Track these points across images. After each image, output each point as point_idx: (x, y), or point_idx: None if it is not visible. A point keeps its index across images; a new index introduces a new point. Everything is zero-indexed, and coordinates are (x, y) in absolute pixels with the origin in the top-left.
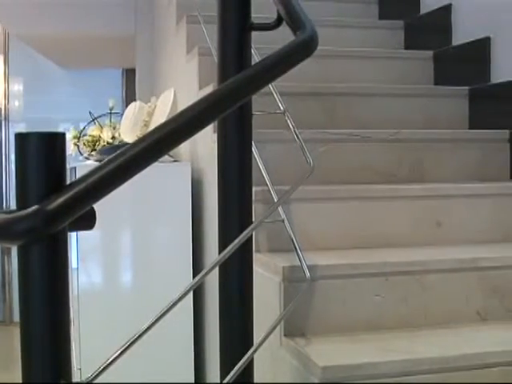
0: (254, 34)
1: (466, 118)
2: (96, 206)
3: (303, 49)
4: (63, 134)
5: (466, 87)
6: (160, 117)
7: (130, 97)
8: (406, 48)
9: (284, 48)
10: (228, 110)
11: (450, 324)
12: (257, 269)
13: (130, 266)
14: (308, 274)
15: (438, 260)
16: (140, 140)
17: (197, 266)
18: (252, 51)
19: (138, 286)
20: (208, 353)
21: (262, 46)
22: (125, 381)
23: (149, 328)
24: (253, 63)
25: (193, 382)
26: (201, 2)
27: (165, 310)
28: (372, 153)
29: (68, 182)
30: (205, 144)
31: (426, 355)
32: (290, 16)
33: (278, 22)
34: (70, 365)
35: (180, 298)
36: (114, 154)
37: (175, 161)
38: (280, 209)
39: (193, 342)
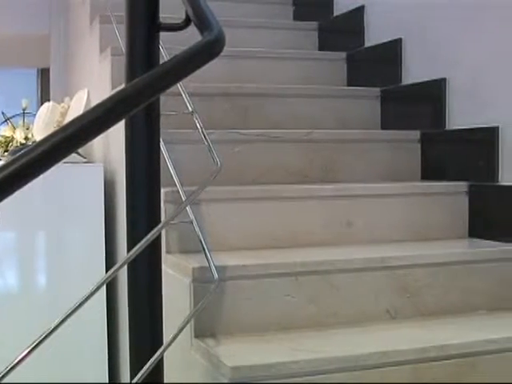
0: (170, 35)
1: (378, 119)
2: (9, 208)
3: (209, 49)
4: None
5: (378, 88)
6: (73, 117)
7: (45, 97)
8: (320, 49)
9: (189, 49)
10: (134, 109)
11: (359, 323)
12: (168, 270)
13: (44, 266)
14: (216, 275)
15: (348, 259)
16: (42, 141)
17: (110, 265)
18: (162, 52)
19: (52, 286)
20: (122, 352)
21: (177, 47)
22: (37, 381)
23: (57, 326)
24: None
25: (106, 382)
26: (114, 2)
27: (72, 309)
28: (284, 153)
29: None
30: (117, 145)
31: (336, 354)
32: (198, 16)
33: (187, 22)
34: None
35: (87, 298)
36: (17, 155)
37: (88, 162)
38: (189, 209)
39: (107, 341)
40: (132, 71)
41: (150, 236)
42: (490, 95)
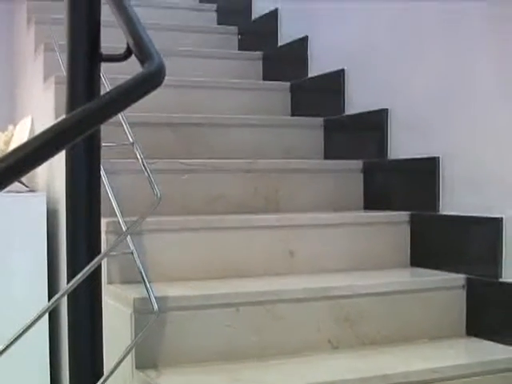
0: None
1: (321, 149)
2: None
3: (149, 81)
4: None
5: (322, 118)
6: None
7: None
8: (264, 79)
9: (129, 80)
10: (73, 140)
11: (302, 353)
12: (109, 300)
13: None
14: (156, 306)
15: (290, 290)
16: None
17: (53, 294)
18: (104, 82)
19: None
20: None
21: (122, 76)
22: None
23: None
24: None
25: None
26: (58, 30)
27: (13, 338)
28: (228, 183)
29: None
30: (60, 173)
31: None
32: (138, 47)
33: (128, 53)
34: None
35: (27, 328)
36: None
37: (31, 190)
38: (129, 240)
39: (49, 372)
40: (73, 101)
41: (90, 267)
42: (430, 126)
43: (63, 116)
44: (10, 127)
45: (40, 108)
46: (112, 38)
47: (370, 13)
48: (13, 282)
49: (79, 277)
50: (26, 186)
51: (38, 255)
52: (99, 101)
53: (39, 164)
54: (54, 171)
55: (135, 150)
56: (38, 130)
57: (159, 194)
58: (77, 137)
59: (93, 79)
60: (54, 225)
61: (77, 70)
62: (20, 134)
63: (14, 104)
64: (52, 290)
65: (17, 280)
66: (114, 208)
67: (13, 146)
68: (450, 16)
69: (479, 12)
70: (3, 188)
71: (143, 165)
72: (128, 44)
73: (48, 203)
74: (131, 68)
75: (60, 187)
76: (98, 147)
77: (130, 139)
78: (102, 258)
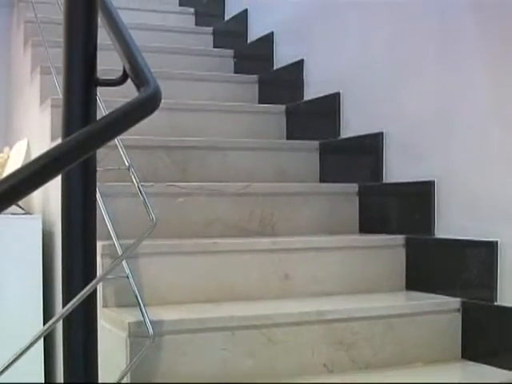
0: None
1: (316, 172)
2: None
3: (145, 106)
4: None
5: (317, 141)
6: (13, 168)
7: None
8: (260, 102)
9: (125, 105)
10: (69, 165)
11: (296, 377)
12: (104, 324)
13: None
14: (151, 330)
15: (285, 313)
16: None
17: (48, 317)
18: (100, 106)
19: None
20: None
21: (119, 99)
22: None
23: None
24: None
25: None
26: (54, 52)
27: (8, 363)
28: (223, 206)
29: None
30: (56, 196)
31: None
32: (135, 72)
33: (124, 77)
34: None
35: (23, 352)
36: None
37: (27, 213)
38: (124, 264)
39: None
40: (69, 125)
41: (85, 292)
42: (425, 149)
43: (59, 139)
44: (6, 149)
45: (36, 130)
46: (108, 59)
47: (365, 36)
48: (8, 304)
49: (74, 301)
50: (22, 209)
51: (33, 277)
52: (95, 126)
53: (35, 189)
54: (49, 193)
55: (131, 174)
56: (34, 152)
57: (154, 219)
58: (73, 162)
59: (89, 103)
60: (49, 247)
61: (73, 95)
62: (16, 157)
63: (10, 126)
64: (47, 311)
65: (12, 302)
66: (109, 231)
67: (8, 168)
68: (444, 39)
69: (473, 35)
70: None
71: (139, 189)
72: (124, 68)
73: (43, 225)
74: (127, 89)
75: (55, 209)
76: (94, 170)
77: (126, 163)
78: (97, 283)
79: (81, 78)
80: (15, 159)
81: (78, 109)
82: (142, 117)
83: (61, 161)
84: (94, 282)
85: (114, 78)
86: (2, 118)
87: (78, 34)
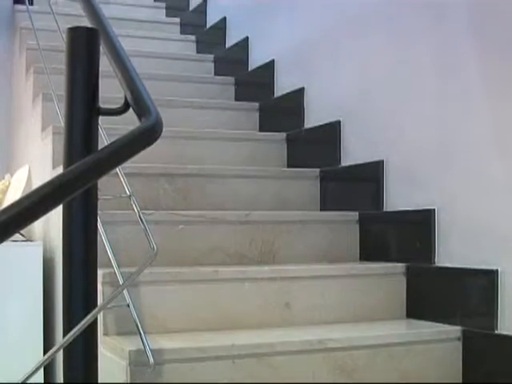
0: None
1: (317, 200)
2: None
3: (146, 136)
4: None
5: (318, 169)
6: (15, 195)
7: None
8: (261, 129)
9: (126, 135)
10: (71, 195)
11: None
12: (105, 352)
13: None
14: (152, 359)
15: (286, 342)
16: None
17: (49, 344)
18: (102, 134)
19: None
20: None
21: (121, 127)
22: None
23: None
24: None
25: None
26: (56, 79)
27: None
28: (224, 234)
29: None
30: (57, 223)
31: None
32: (136, 102)
33: (126, 107)
34: None
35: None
36: None
37: (28, 240)
38: (125, 293)
39: None
40: (71, 154)
41: (86, 321)
42: (425, 177)
43: (61, 167)
44: (7, 176)
45: (38, 157)
46: (110, 87)
47: (366, 65)
48: (8, 331)
49: (75, 331)
50: (23, 236)
51: (34, 304)
52: (97, 156)
53: (36, 219)
54: (50, 220)
55: (132, 203)
56: (36, 179)
57: (155, 248)
58: (75, 191)
59: (90, 132)
60: (50, 274)
61: (75, 124)
62: (17, 184)
63: (12, 152)
64: (48, 338)
65: (12, 330)
66: (110, 258)
67: (9, 195)
68: (444, 67)
69: (473, 63)
70: (0, 242)
71: (140, 217)
72: (126, 98)
73: (44, 252)
74: (129, 115)
75: (56, 236)
76: (95, 198)
77: (127, 192)
78: (98, 312)
79: (83, 108)
80: (16, 186)
81: (79, 138)
82: (144, 147)
83: (63, 190)
84: (94, 311)
85: (115, 107)
86: (4, 145)
87: (81, 63)
